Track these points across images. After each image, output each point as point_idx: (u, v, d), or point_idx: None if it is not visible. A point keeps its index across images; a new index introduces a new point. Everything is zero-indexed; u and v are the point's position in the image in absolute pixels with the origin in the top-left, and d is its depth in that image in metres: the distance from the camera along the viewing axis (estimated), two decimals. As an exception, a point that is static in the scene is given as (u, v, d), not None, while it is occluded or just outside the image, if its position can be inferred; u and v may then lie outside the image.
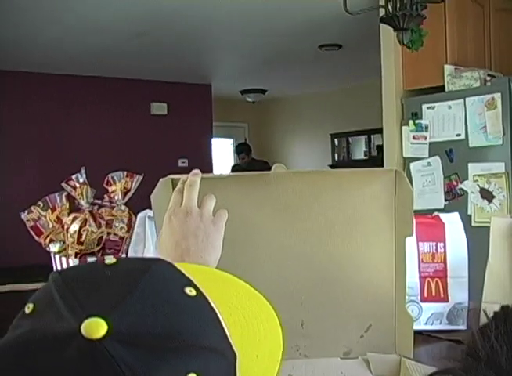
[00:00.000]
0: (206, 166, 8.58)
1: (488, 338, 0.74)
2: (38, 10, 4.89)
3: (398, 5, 1.98)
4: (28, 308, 0.58)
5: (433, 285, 1.73)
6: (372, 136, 8.83)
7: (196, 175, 1.08)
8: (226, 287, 0.71)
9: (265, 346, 0.69)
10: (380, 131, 5.87)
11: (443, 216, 1.77)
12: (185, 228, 1.00)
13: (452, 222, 1.75)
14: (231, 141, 10.40)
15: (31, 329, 0.56)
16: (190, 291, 0.59)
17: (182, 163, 8.30)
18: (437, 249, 1.73)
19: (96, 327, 0.53)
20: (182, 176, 1.10)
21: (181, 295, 0.59)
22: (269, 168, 5.53)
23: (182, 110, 8.28)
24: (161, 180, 1.17)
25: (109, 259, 0.61)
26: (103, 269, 0.60)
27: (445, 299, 1.73)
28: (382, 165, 4.82)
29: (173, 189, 1.15)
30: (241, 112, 10.06)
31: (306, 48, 6.56)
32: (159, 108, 8.12)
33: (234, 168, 8.24)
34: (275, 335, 0.72)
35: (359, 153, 9.20)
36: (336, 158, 9.53)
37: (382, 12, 2.04)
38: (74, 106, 7.50)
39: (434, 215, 1.78)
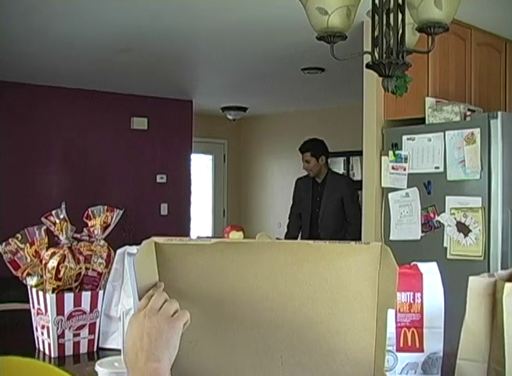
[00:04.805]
0: (184, 182, 8.57)
1: None
2: (26, 23, 4.87)
3: (385, 52, 2.00)
4: None
5: (409, 335, 1.74)
6: (351, 158, 8.86)
7: None
8: None
9: None
10: (358, 153, 5.87)
11: (421, 266, 1.78)
12: (141, 328, 1.12)
13: (430, 273, 1.77)
14: (210, 157, 10.39)
15: None
16: None
17: (161, 178, 8.27)
18: (414, 299, 1.75)
19: None
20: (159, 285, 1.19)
21: None
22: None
23: (162, 125, 8.26)
24: (144, 242, 1.18)
25: None
26: None
27: (421, 349, 1.75)
28: (361, 189, 4.82)
29: (156, 251, 1.19)
30: (221, 128, 10.05)
31: (289, 70, 6.60)
32: (139, 123, 8.09)
33: None
34: None
35: (337, 174, 9.23)
36: (314, 178, 9.54)
37: (367, 57, 2.07)
38: (54, 117, 7.44)
39: (412, 264, 1.79)
